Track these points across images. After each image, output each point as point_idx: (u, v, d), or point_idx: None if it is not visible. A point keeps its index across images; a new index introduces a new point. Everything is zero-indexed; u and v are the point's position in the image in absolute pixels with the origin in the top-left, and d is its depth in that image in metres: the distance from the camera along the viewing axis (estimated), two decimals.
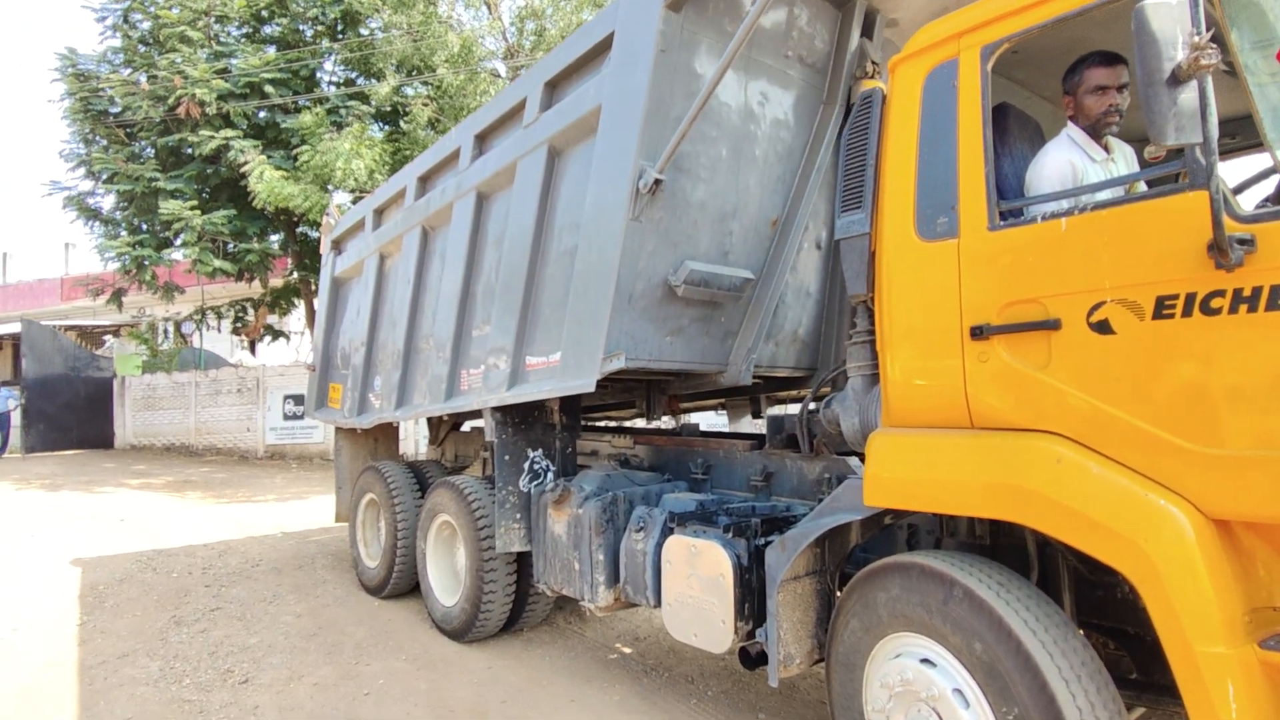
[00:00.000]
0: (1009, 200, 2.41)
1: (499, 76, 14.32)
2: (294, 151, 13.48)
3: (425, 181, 5.48)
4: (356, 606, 5.61)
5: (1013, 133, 2.68)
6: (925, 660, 2.36)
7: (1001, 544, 2.70)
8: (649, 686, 4.09)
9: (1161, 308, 1.95)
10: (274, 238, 16.59)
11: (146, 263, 15.05)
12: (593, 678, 4.22)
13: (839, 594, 3.02)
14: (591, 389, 3.64)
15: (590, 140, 3.76)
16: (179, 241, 15.23)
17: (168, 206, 13.89)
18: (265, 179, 12.65)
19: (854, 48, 3.82)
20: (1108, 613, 2.69)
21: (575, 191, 3.91)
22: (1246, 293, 1.82)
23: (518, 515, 4.36)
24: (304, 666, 4.41)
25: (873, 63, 3.79)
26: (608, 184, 3.57)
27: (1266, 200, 2.17)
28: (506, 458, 4.37)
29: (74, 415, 18.40)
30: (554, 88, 4.15)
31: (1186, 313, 1.91)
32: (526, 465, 4.41)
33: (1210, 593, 1.81)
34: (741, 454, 4.00)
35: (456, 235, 4.87)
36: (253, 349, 23.77)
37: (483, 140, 4.82)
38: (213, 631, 5.02)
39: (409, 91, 14.85)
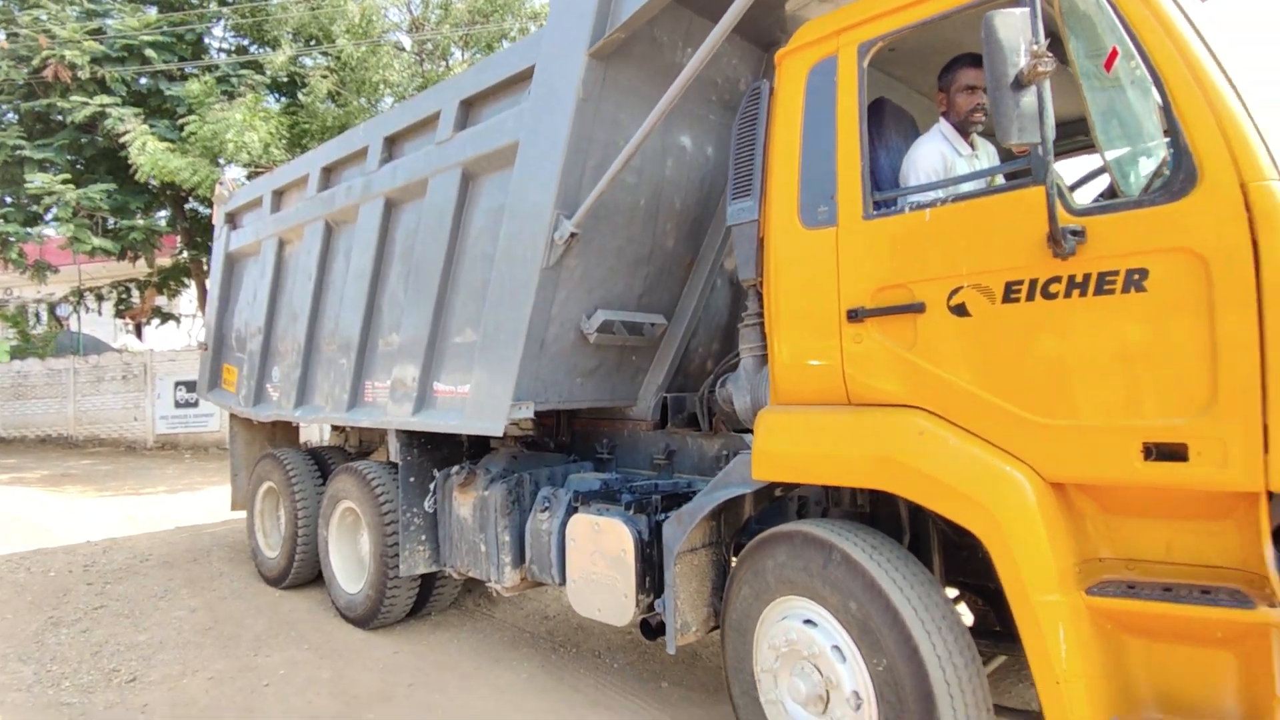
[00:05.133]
0: (884, 191, 2.57)
1: (403, 50, 13.83)
2: (180, 121, 12.62)
3: (330, 173, 5.25)
4: (256, 598, 5.43)
5: (889, 126, 2.84)
6: (808, 621, 2.53)
7: (881, 513, 2.90)
8: (557, 663, 4.17)
9: (1010, 292, 2.15)
10: (160, 214, 15.53)
11: (12, 239, 13.80)
12: (501, 657, 4.26)
13: (734, 564, 3.17)
14: (499, 434, 3.66)
15: (507, 171, 3.66)
16: (50, 217, 14.04)
17: (36, 179, 12.75)
18: (148, 150, 11.81)
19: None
20: (973, 571, 2.94)
21: (489, 222, 3.81)
22: (1079, 279, 2.03)
23: (423, 537, 4.31)
24: (198, 661, 4.26)
25: None
26: (522, 229, 3.50)
27: (1102, 195, 2.40)
28: (411, 479, 4.31)
29: None
30: (470, 106, 4.02)
31: (1030, 297, 2.11)
32: (432, 487, 4.35)
33: (1046, 548, 2.03)
34: (645, 433, 4.11)
35: (363, 238, 4.69)
36: (139, 333, 22.24)
37: (393, 143, 4.62)
38: (96, 631, 4.76)
39: (307, 62, 14.13)
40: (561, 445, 4.58)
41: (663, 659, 4.16)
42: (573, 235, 3.32)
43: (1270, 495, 1.80)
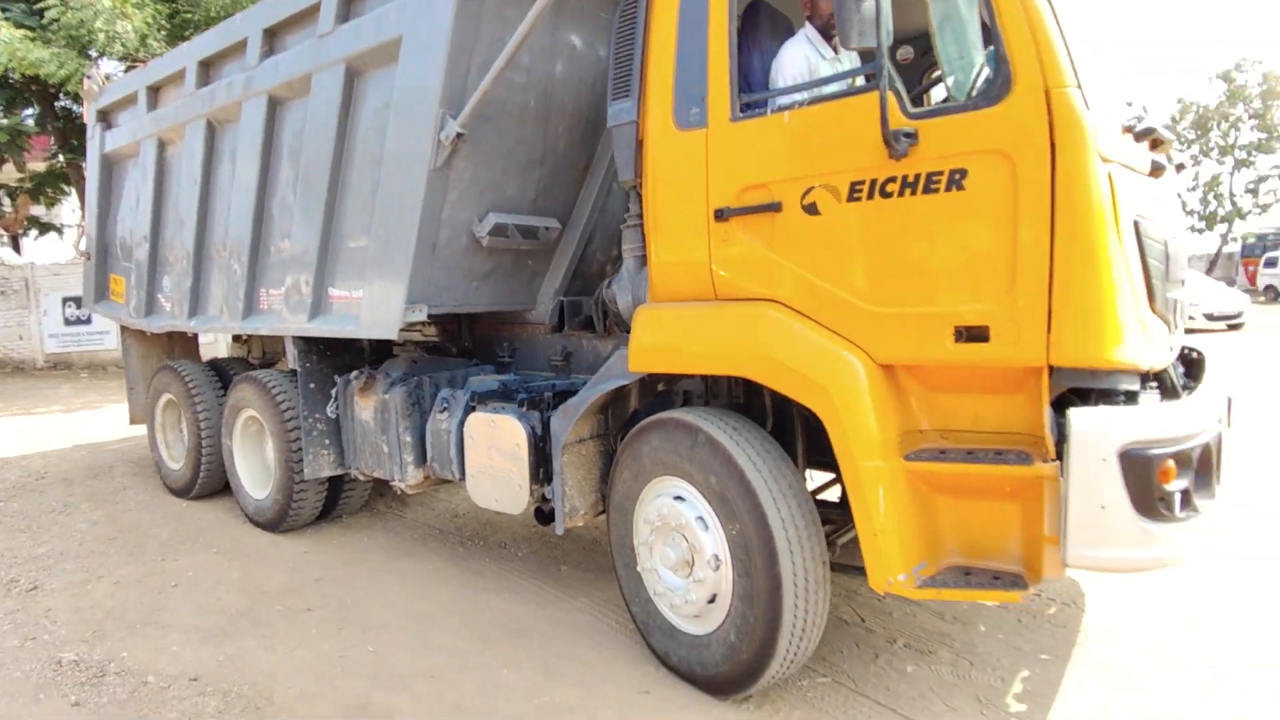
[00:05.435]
0: (753, 93, 2.68)
1: None
2: (38, 6, 11.34)
3: (209, 68, 4.92)
4: (162, 509, 5.43)
5: (764, 29, 2.92)
6: (678, 497, 2.78)
7: (755, 403, 3.14)
8: (464, 555, 4.40)
9: (853, 192, 2.33)
10: (27, 112, 14.10)
11: None
12: (411, 553, 4.46)
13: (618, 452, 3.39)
14: (394, 337, 3.71)
15: (391, 68, 3.56)
16: None
17: None
18: (1, 39, 10.62)
19: None
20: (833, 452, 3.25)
21: (376, 122, 3.72)
22: (910, 179, 2.22)
23: (326, 442, 4.39)
24: (103, 568, 4.29)
25: None
26: (409, 128, 3.44)
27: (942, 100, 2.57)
28: (311, 385, 4.35)
29: None
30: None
31: (870, 196, 2.30)
32: (333, 393, 4.40)
33: (873, 421, 2.29)
34: (543, 337, 4.23)
35: (247, 139, 4.49)
36: (15, 245, 20.54)
37: (273, 36, 4.36)
38: None
39: None
40: (464, 350, 4.67)
41: (564, 547, 4.44)
42: (459, 135, 3.31)
43: (1051, 369, 2.09)
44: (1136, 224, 2.08)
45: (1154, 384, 2.35)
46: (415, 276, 3.55)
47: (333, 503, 4.85)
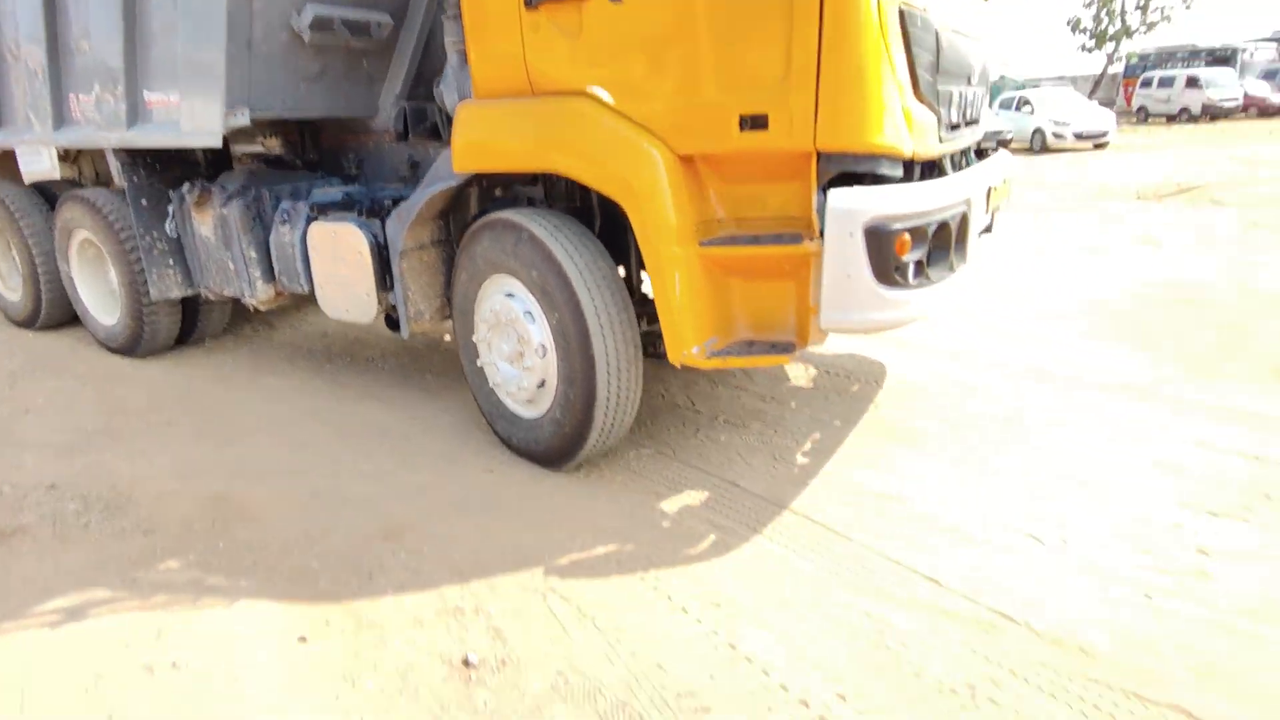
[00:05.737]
0: None
1: None
2: None
3: None
4: (8, 342, 5.21)
5: None
6: (509, 294, 2.94)
7: (589, 206, 3.24)
8: (331, 370, 4.51)
9: None
10: None
11: None
12: (277, 370, 4.53)
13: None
14: (217, 145, 3.50)
15: None
16: None
17: None
18: None
19: None
20: None
21: None
22: None
23: (170, 261, 4.23)
24: None
25: None
26: None
27: None
28: (144, 202, 4.12)
29: None
30: None
31: None
32: (170, 209, 4.17)
33: (670, 211, 2.45)
34: (389, 146, 4.10)
35: None
36: None
37: None
38: None
39: None
40: (310, 163, 4.48)
41: (430, 359, 4.61)
42: None
43: (820, 155, 2.27)
44: (902, 13, 2.20)
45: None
46: (232, 77, 3.33)
47: (191, 325, 4.78)
